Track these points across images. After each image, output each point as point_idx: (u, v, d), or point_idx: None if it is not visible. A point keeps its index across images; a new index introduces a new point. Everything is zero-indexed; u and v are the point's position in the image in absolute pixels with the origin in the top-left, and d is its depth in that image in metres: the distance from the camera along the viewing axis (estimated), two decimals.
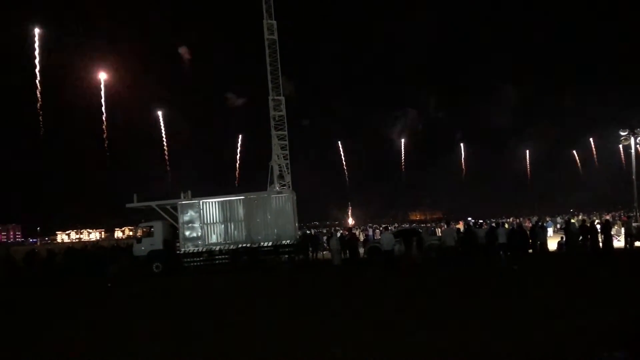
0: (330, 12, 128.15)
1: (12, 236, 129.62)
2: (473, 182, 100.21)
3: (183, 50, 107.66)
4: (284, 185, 34.89)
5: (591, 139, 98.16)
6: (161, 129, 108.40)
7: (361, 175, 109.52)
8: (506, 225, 30.78)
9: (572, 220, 30.63)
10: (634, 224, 26.50)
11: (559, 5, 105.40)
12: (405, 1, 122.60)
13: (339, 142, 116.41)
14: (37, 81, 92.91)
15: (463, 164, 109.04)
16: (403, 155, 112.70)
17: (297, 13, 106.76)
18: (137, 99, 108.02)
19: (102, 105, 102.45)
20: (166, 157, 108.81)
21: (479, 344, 8.75)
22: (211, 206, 26.27)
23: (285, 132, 37.97)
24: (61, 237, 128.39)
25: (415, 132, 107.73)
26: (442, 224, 41.82)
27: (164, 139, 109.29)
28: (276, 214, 26.31)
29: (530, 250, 24.29)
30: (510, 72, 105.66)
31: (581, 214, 52.90)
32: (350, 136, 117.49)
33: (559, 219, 45.32)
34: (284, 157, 37.44)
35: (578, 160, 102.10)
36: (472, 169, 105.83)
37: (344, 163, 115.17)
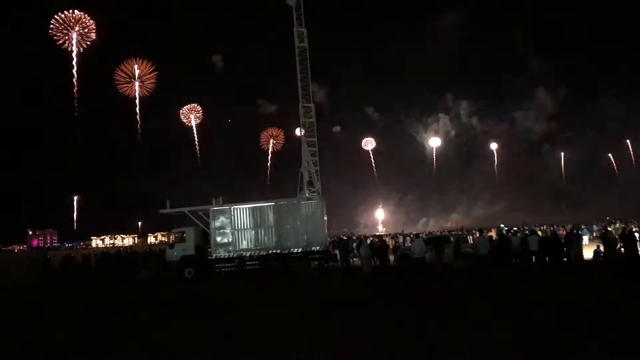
0: (362, 14, 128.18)
1: (49, 241, 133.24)
2: (507, 189, 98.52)
3: (216, 58, 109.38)
4: (314, 191, 34.90)
5: (629, 142, 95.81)
6: (194, 136, 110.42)
7: (393, 182, 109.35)
8: (539, 233, 30.09)
9: (609, 228, 29.77)
10: None
11: (594, 5, 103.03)
12: (438, 3, 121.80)
13: (370, 150, 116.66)
14: (74, 90, 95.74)
15: (496, 171, 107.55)
16: (435, 162, 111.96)
17: (330, 17, 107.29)
18: (172, 105, 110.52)
19: (136, 113, 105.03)
20: (199, 163, 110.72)
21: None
22: (242, 212, 26.45)
23: (315, 139, 38.03)
24: (96, 242, 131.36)
25: (449, 138, 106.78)
26: (474, 231, 41.17)
27: (197, 146, 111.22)
28: (306, 220, 26.35)
29: (565, 259, 23.67)
30: (544, 75, 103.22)
31: (618, 221, 51.36)
32: (382, 143, 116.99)
33: (594, 227, 44.04)
34: (313, 163, 37.46)
35: (615, 165, 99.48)
36: (506, 175, 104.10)
37: (375, 169, 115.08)
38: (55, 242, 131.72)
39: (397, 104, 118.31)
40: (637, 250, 22.79)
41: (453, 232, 49.91)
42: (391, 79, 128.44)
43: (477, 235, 25.24)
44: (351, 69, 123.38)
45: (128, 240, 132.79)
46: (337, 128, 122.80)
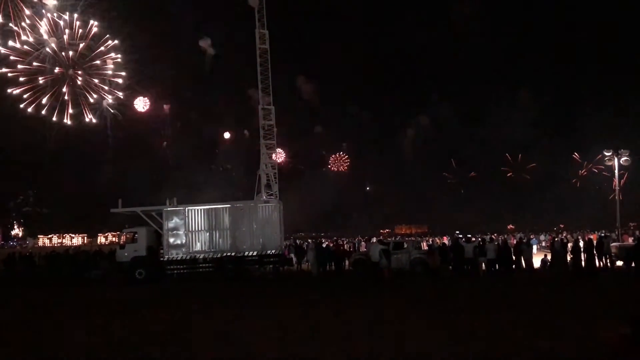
0: (348, 13, 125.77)
1: None
2: (476, 194, 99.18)
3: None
4: (271, 194, 34.78)
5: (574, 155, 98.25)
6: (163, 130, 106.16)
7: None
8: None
9: (556, 239, 30.86)
10: (618, 244, 26.76)
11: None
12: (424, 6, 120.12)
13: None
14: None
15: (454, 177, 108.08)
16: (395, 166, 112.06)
17: (312, 14, 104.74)
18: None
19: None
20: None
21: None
22: (196, 214, 26.00)
23: (274, 142, 37.99)
24: (42, 240, 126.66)
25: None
26: (426, 238, 41.86)
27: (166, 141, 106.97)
28: (262, 223, 26.14)
29: (514, 267, 24.43)
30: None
31: (565, 232, 53.26)
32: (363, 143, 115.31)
33: (542, 237, 45.43)
34: (272, 166, 37.37)
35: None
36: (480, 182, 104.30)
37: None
38: None
39: (379, 101, 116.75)
40: (581, 260, 23.59)
41: (408, 239, 50.60)
42: (376, 73, 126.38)
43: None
44: (336, 67, 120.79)
45: (77, 240, 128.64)
46: (319, 128, 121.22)
